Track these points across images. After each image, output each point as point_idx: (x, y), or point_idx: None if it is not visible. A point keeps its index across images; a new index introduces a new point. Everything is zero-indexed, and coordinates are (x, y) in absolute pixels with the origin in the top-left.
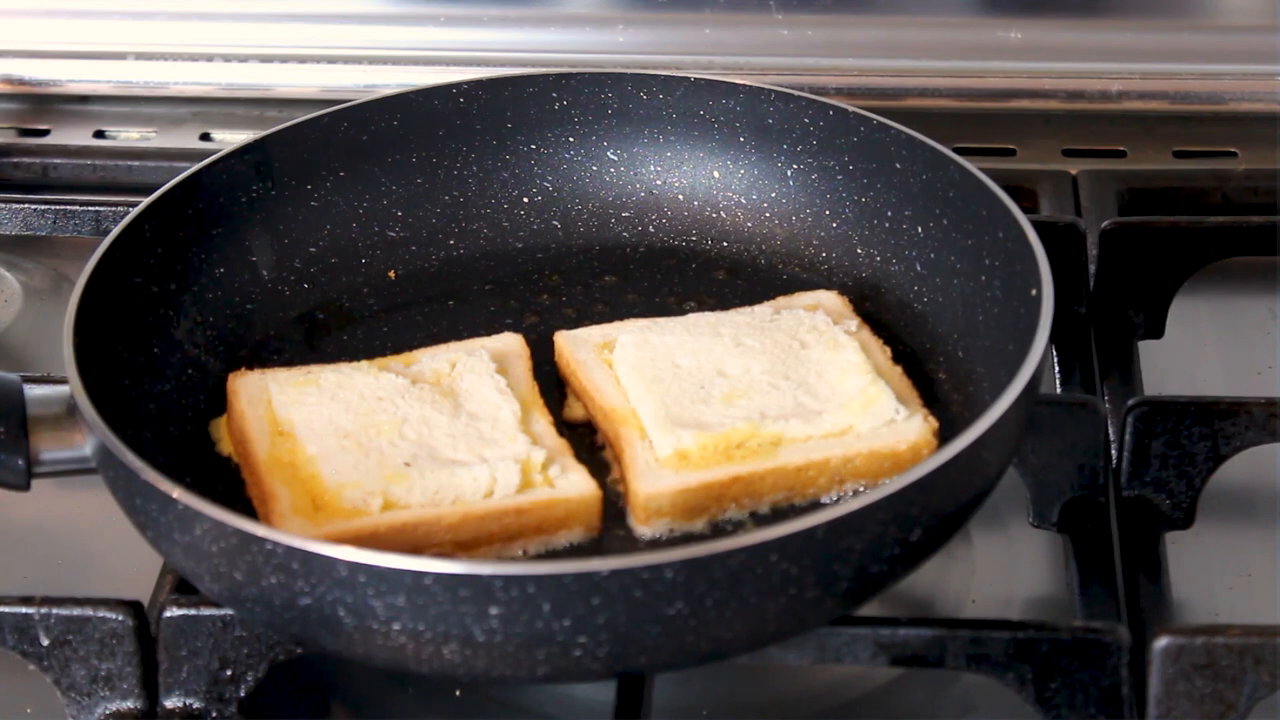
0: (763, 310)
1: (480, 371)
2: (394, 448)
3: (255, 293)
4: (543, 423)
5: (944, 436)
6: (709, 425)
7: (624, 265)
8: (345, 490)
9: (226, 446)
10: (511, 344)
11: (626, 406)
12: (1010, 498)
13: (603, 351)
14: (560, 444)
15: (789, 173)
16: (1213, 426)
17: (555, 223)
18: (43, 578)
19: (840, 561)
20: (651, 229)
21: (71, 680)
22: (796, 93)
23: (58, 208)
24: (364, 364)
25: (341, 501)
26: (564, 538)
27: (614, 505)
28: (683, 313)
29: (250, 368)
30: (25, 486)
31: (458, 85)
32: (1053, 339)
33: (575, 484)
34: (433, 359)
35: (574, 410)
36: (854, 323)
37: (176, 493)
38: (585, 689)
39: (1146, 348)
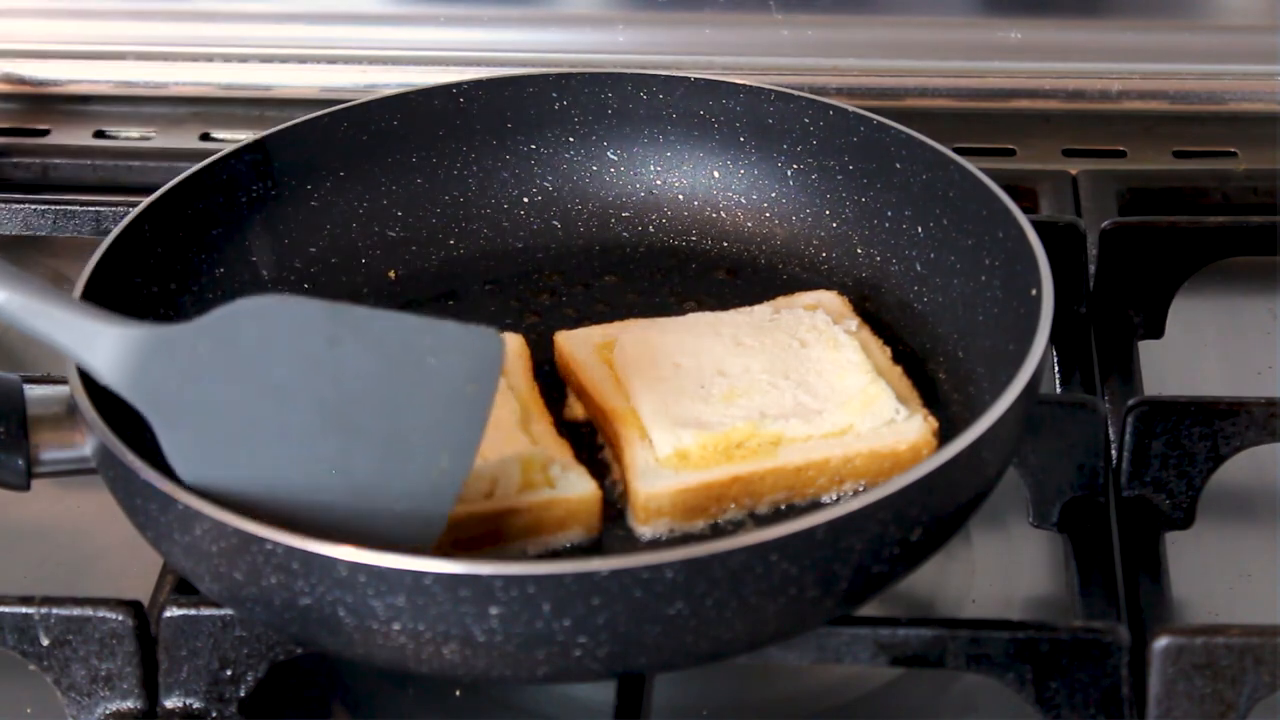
0: (763, 310)
1: None
2: None
3: (255, 293)
4: (542, 423)
5: (944, 436)
6: (709, 425)
7: (624, 265)
8: None
9: None
10: (512, 344)
11: (626, 406)
12: (1010, 498)
13: (603, 351)
14: (560, 444)
15: (789, 173)
16: (1213, 426)
17: (555, 223)
18: (43, 578)
19: (840, 561)
20: (651, 229)
21: (71, 680)
22: (796, 93)
23: (58, 208)
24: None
25: None
26: (563, 538)
27: (614, 505)
28: (683, 313)
29: None
30: (25, 486)
31: (458, 85)
32: (1053, 339)
33: (575, 484)
34: None
35: (574, 410)
36: (854, 323)
37: (176, 493)
38: (585, 689)
39: (1146, 348)
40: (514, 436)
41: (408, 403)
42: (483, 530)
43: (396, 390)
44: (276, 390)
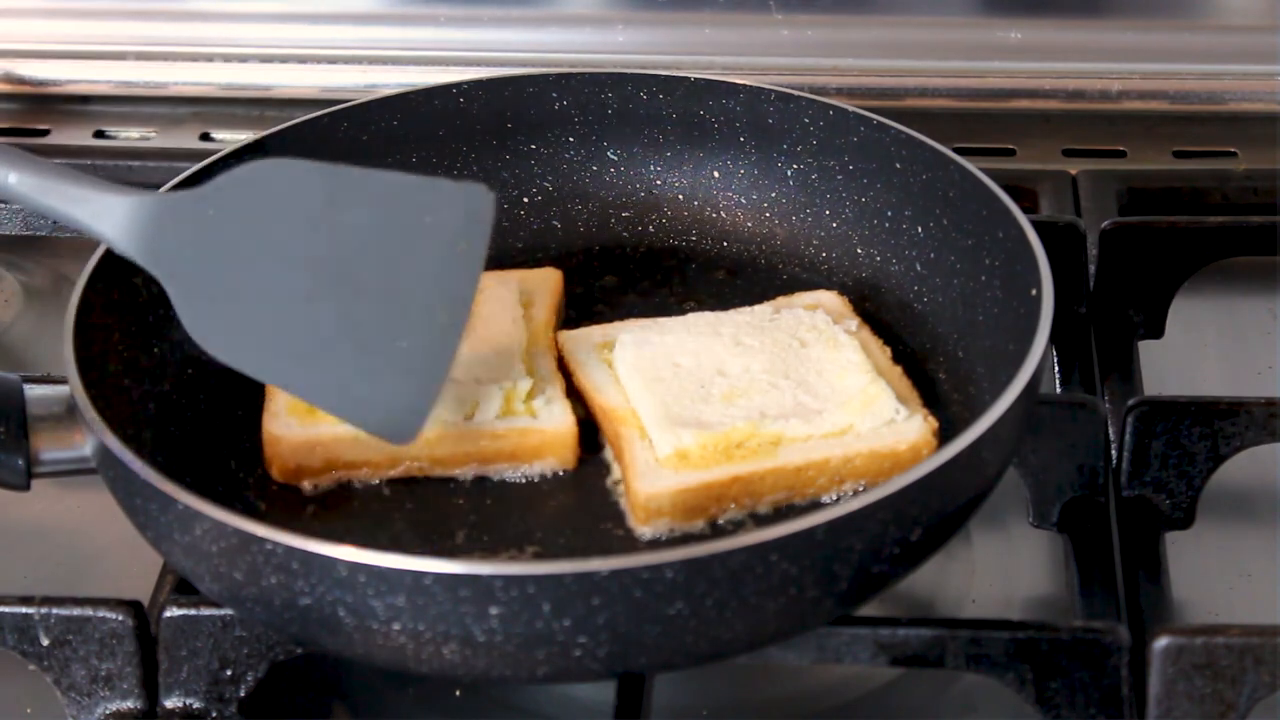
0: (763, 310)
1: (503, 301)
2: None
3: None
4: (548, 356)
5: (944, 436)
6: (709, 425)
7: (624, 265)
8: None
9: None
10: (548, 278)
11: (626, 406)
12: (1010, 498)
13: (603, 351)
14: (556, 377)
15: (789, 173)
16: (1213, 426)
17: (555, 223)
18: (43, 578)
19: (840, 561)
20: (651, 229)
21: (71, 680)
22: (796, 93)
23: None
24: None
25: None
26: (540, 467)
27: (614, 505)
28: (683, 313)
29: None
30: (25, 486)
31: (458, 85)
32: (1053, 339)
33: (554, 417)
34: None
35: (575, 410)
36: (854, 322)
37: (176, 493)
38: (585, 689)
39: (1146, 348)
40: (509, 365)
41: (404, 259)
42: (459, 449)
43: (392, 247)
44: (279, 250)
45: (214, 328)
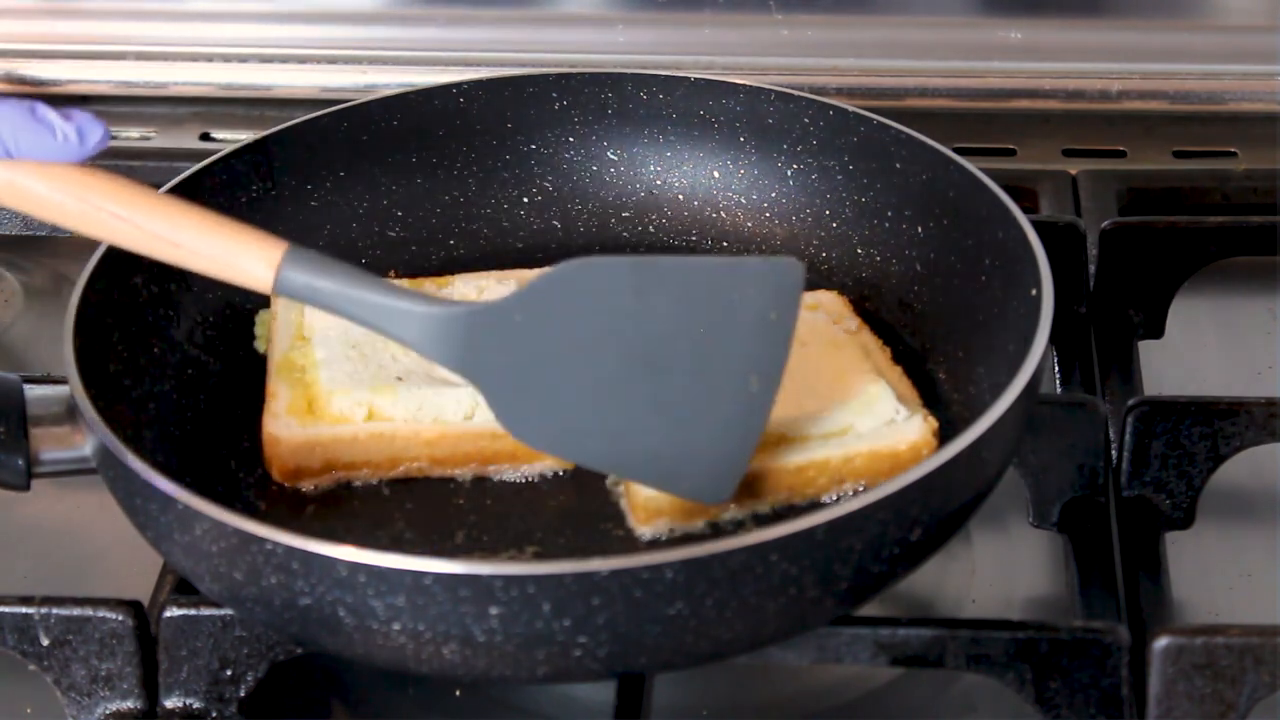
0: None
1: None
2: (395, 362)
3: (255, 293)
4: None
5: (944, 436)
6: None
7: None
8: (335, 397)
9: (263, 344)
10: None
11: None
12: (1010, 498)
13: None
14: None
15: (789, 173)
16: (1213, 426)
17: (555, 223)
18: (43, 578)
19: (840, 561)
20: (651, 229)
21: (71, 680)
22: (796, 93)
23: None
24: (398, 281)
25: (330, 407)
26: (540, 467)
27: (614, 505)
28: None
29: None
30: (25, 486)
31: (458, 85)
32: (1053, 339)
33: None
34: (464, 283)
35: None
36: (854, 323)
37: (177, 493)
38: (585, 689)
39: (1146, 348)
40: None
41: (713, 337)
42: (459, 449)
43: (702, 328)
44: (590, 345)
45: (530, 423)
